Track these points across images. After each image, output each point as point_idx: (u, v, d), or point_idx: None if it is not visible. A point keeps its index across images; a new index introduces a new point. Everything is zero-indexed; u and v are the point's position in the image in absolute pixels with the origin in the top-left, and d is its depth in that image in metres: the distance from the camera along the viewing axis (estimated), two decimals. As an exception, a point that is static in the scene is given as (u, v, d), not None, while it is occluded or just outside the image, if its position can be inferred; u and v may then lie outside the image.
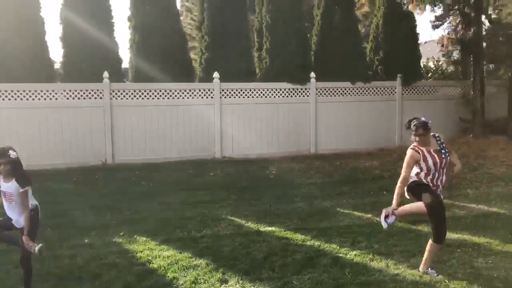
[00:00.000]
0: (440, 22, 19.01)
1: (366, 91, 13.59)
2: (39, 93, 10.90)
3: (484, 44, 14.15)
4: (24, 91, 10.77)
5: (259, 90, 12.64)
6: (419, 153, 4.85)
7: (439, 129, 5.00)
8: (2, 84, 10.58)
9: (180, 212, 7.50)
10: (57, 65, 12.23)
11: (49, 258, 5.44)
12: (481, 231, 6.30)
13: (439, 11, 18.43)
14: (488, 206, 7.64)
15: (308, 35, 14.16)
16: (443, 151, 4.89)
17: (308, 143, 13.10)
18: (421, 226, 6.39)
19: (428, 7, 17.52)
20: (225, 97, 12.37)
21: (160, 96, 11.88)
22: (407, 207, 5.06)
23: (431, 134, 4.94)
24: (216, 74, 12.13)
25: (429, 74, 17.35)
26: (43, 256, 4.62)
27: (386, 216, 5.00)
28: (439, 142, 4.95)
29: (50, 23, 18.35)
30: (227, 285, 4.79)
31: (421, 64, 15.93)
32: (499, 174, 9.95)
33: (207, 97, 12.24)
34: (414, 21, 14.56)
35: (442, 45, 18.13)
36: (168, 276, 4.99)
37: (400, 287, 4.64)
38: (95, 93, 11.37)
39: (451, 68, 18.01)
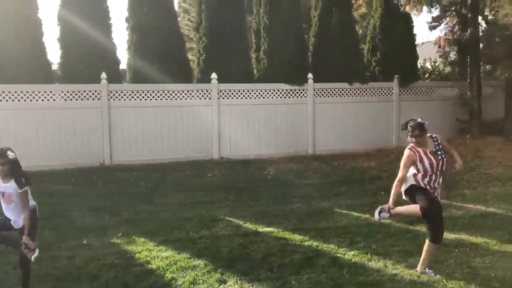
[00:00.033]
0: (437, 23, 19.09)
1: (364, 92, 13.62)
2: (36, 94, 10.89)
3: (481, 45, 14.19)
4: (21, 92, 10.76)
5: (257, 91, 12.66)
6: (415, 153, 4.88)
7: (436, 130, 5.02)
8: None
9: (179, 213, 7.51)
10: (54, 66, 12.21)
11: (47, 259, 5.45)
12: (479, 231, 6.33)
13: (436, 12, 18.49)
14: (485, 206, 7.66)
15: (306, 36, 14.18)
16: (439, 152, 4.89)
17: (305, 143, 13.12)
18: (418, 226, 6.41)
19: (425, 8, 17.58)
20: (223, 98, 12.38)
21: (158, 97, 11.88)
22: (403, 208, 5.07)
23: (428, 135, 4.95)
24: (214, 75, 12.14)
25: (426, 75, 17.41)
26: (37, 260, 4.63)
27: (381, 211, 5.03)
28: (436, 143, 4.95)
29: (47, 24, 18.34)
30: (225, 286, 4.80)
31: (418, 65, 15.97)
32: (496, 174, 9.99)
33: (205, 98, 12.25)
34: (411, 22, 14.59)
35: (439, 46, 18.21)
36: (167, 277, 5.00)
37: (398, 287, 4.65)
38: (93, 94, 11.37)
39: (448, 69, 18.07)
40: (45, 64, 11.59)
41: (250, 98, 12.60)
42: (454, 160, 5.07)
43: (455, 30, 17.23)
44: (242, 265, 5.25)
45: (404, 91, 14.00)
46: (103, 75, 11.30)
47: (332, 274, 4.97)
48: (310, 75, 12.96)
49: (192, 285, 4.80)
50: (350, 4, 14.41)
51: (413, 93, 14.15)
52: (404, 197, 5.05)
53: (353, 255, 5.53)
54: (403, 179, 4.94)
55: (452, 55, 17.38)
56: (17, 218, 4.48)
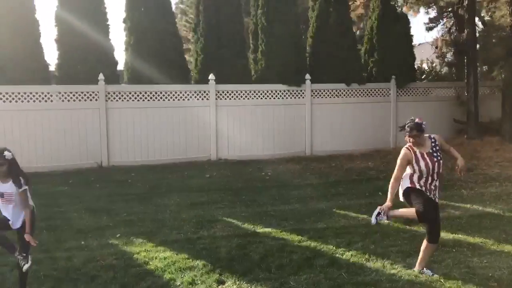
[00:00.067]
0: (434, 24, 19.14)
1: (361, 92, 13.66)
2: (34, 95, 10.88)
3: (478, 46, 14.25)
4: (19, 93, 10.75)
5: (254, 91, 12.67)
6: (411, 153, 4.89)
7: (434, 130, 5.03)
8: (-3, 86, 10.58)
9: (177, 214, 7.50)
10: (52, 67, 12.21)
11: (45, 260, 5.45)
12: (476, 231, 6.34)
13: (433, 13, 18.56)
14: (483, 206, 7.69)
15: (303, 37, 14.21)
16: (435, 154, 4.86)
17: (303, 144, 13.15)
18: (416, 226, 6.42)
19: (422, 9, 17.64)
20: (221, 99, 12.39)
21: (156, 98, 11.89)
22: (399, 212, 5.08)
23: (427, 135, 4.95)
24: (211, 76, 12.15)
25: (423, 76, 17.45)
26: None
27: (378, 214, 5.05)
28: (433, 144, 4.92)
29: (45, 25, 18.30)
30: (224, 286, 4.80)
31: (415, 66, 16.02)
32: (493, 174, 10.04)
33: (202, 99, 12.26)
34: (408, 23, 14.66)
35: (436, 47, 18.25)
36: (165, 278, 4.99)
37: (396, 287, 4.67)
38: (90, 95, 11.36)
39: (445, 70, 18.13)
40: (42, 65, 11.60)
41: (248, 99, 12.61)
42: (454, 158, 5.08)
43: (452, 31, 17.30)
44: (241, 266, 5.25)
45: (401, 91, 14.05)
46: (101, 76, 11.30)
47: (331, 274, 4.98)
48: (307, 76, 12.99)
49: (190, 286, 4.80)
50: (347, 5, 14.45)
51: (410, 93, 14.19)
52: (401, 198, 5.06)
53: (352, 255, 5.53)
54: (399, 178, 4.95)
55: (449, 56, 17.44)
56: (16, 218, 4.47)
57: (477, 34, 14.44)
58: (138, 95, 11.74)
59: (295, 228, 6.65)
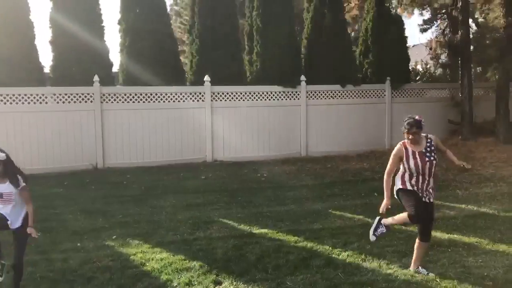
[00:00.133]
0: (428, 26, 19.27)
1: (356, 94, 13.70)
2: (29, 97, 10.84)
3: (472, 47, 14.33)
4: (13, 94, 10.71)
5: (249, 93, 12.69)
6: (403, 150, 4.91)
7: (428, 131, 5.03)
8: (-9, 88, 10.54)
9: (173, 215, 7.50)
10: (47, 69, 12.18)
11: (41, 261, 5.44)
12: (471, 231, 6.38)
13: (427, 14, 18.69)
14: (478, 206, 7.73)
15: (298, 38, 14.24)
16: (428, 154, 4.86)
17: (299, 145, 13.17)
18: (412, 227, 6.44)
19: (416, 10, 17.74)
20: (216, 100, 12.39)
21: (151, 99, 11.87)
22: (394, 220, 5.13)
23: (424, 135, 4.97)
24: (207, 78, 12.15)
25: (417, 77, 17.54)
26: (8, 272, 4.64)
27: (376, 229, 5.19)
28: (428, 144, 4.92)
29: (40, 26, 18.23)
30: (221, 287, 4.80)
31: (410, 67, 16.10)
32: (487, 175, 10.10)
33: (198, 101, 12.26)
34: (403, 24, 14.73)
35: (430, 48, 18.37)
36: (162, 279, 4.99)
37: (393, 287, 4.68)
38: (85, 96, 11.33)
39: (439, 71, 18.23)
40: (37, 66, 11.57)
41: (243, 100, 12.62)
42: (451, 161, 5.11)
43: (446, 32, 17.42)
44: (237, 266, 5.26)
45: (396, 93, 14.10)
46: (96, 78, 11.27)
47: (327, 274, 4.99)
48: (303, 77, 13.02)
49: (187, 287, 4.81)
50: (342, 6, 14.51)
51: (405, 95, 14.25)
52: (395, 196, 5.09)
53: (348, 255, 5.55)
54: (391, 172, 5.01)
55: (443, 57, 17.55)
56: (16, 218, 4.46)
57: (471, 36, 14.52)
58: (133, 97, 11.72)
59: (291, 229, 6.66)
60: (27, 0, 11.36)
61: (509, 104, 13.32)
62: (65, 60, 11.61)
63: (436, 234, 6.19)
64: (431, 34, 23.30)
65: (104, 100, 11.49)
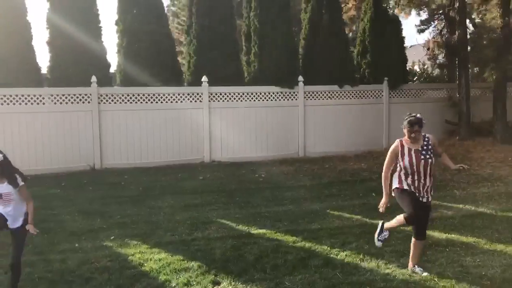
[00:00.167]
0: (426, 26, 19.31)
1: (354, 94, 13.72)
2: (26, 98, 10.82)
3: (469, 47, 14.37)
4: (11, 95, 10.68)
5: (247, 93, 12.69)
6: (400, 147, 4.92)
7: (426, 131, 5.04)
8: (-12, 89, 10.51)
9: (171, 216, 7.49)
10: (44, 70, 12.14)
11: (39, 262, 5.43)
12: (469, 230, 6.39)
13: (424, 15, 18.73)
14: (475, 206, 7.74)
15: (296, 39, 14.25)
16: (423, 152, 4.85)
17: (297, 146, 13.17)
18: (410, 227, 6.44)
19: (413, 11, 17.78)
20: (214, 101, 12.39)
21: (149, 100, 11.86)
22: (393, 224, 5.15)
23: (422, 134, 4.98)
24: (204, 78, 12.15)
25: (415, 78, 17.58)
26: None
27: (380, 233, 5.24)
28: (425, 143, 4.92)
29: (37, 27, 18.22)
30: (219, 287, 4.80)
31: (407, 68, 16.13)
32: (485, 175, 10.12)
33: (196, 101, 12.25)
34: (400, 25, 14.75)
35: (428, 49, 18.40)
36: (160, 279, 4.99)
37: (391, 286, 4.69)
38: (83, 97, 11.32)
39: (436, 72, 18.27)
40: (34, 67, 11.54)
41: (241, 101, 12.62)
42: (447, 166, 5.12)
43: (443, 33, 17.46)
44: (236, 266, 5.26)
45: (393, 93, 14.13)
46: (93, 79, 11.26)
47: (325, 274, 4.99)
48: (300, 78, 13.02)
49: (186, 287, 4.80)
50: (339, 7, 14.52)
51: (402, 95, 14.27)
52: (393, 193, 5.09)
53: (346, 255, 5.55)
54: (389, 168, 5.03)
55: (441, 58, 17.58)
56: (16, 218, 4.45)
57: (468, 36, 14.56)
58: (131, 98, 11.71)
59: (289, 229, 6.66)
60: (24, 1, 11.34)
61: (507, 104, 13.36)
62: (63, 61, 11.58)
63: (434, 234, 6.21)
64: (428, 34, 23.44)
65: (101, 101, 11.48)
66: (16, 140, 10.70)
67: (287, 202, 8.35)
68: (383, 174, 5.05)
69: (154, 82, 11.87)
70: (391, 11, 16.37)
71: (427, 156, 4.84)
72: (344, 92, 13.59)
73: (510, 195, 8.44)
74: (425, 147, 4.89)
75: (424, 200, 4.88)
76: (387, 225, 5.22)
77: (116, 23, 12.54)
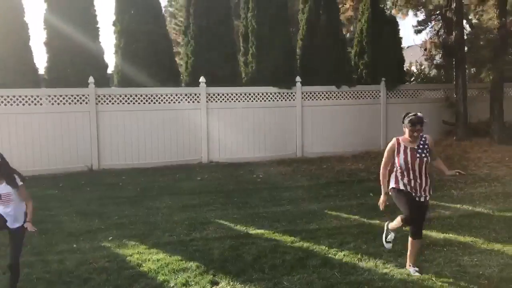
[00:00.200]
0: (423, 27, 19.36)
1: (351, 94, 13.74)
2: (23, 99, 10.80)
3: (466, 48, 14.41)
4: (8, 96, 10.67)
5: (245, 94, 12.69)
6: (396, 145, 4.93)
7: (423, 132, 5.05)
8: (-14, 89, 10.49)
9: (169, 216, 7.49)
10: (41, 70, 12.13)
11: (37, 263, 5.42)
12: (466, 230, 6.42)
13: (421, 16, 18.77)
14: (473, 206, 7.77)
15: (293, 39, 14.27)
16: (419, 150, 4.86)
17: (294, 146, 13.18)
18: (408, 227, 6.46)
19: (410, 12, 17.83)
20: (212, 102, 12.39)
21: (146, 101, 11.85)
22: (393, 224, 5.19)
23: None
24: (202, 79, 12.15)
25: (412, 78, 17.62)
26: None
27: (386, 236, 5.32)
28: (422, 142, 4.93)
29: (34, 28, 18.19)
30: (217, 287, 4.81)
31: (405, 68, 16.16)
32: (482, 175, 10.15)
33: (193, 102, 12.25)
34: (397, 25, 14.79)
35: (425, 49, 18.45)
36: (159, 279, 4.99)
37: (389, 286, 4.70)
38: (80, 98, 11.30)
39: (433, 72, 18.31)
40: (32, 68, 11.52)
41: (239, 101, 12.62)
42: (441, 171, 5.13)
43: (440, 33, 17.50)
44: (234, 267, 5.26)
45: (391, 93, 14.15)
46: (91, 79, 11.25)
47: (324, 274, 5.01)
48: (298, 78, 13.04)
49: (184, 287, 4.81)
50: (337, 7, 14.55)
51: (400, 95, 14.30)
52: (390, 193, 5.11)
53: (344, 255, 5.57)
54: (387, 166, 5.04)
55: (438, 58, 17.62)
56: (15, 218, 4.45)
57: (465, 37, 14.60)
58: (128, 98, 11.70)
59: (287, 229, 6.67)
60: (21, 1, 11.32)
61: (504, 104, 13.40)
62: (60, 62, 11.56)
63: (432, 233, 6.23)
64: (425, 35, 23.47)
65: (99, 101, 11.47)
66: (14, 141, 10.69)
67: (285, 202, 8.35)
68: (380, 172, 5.07)
69: (151, 83, 11.86)
70: (389, 12, 16.41)
71: (423, 155, 4.85)
72: (342, 93, 13.61)
73: (507, 195, 8.47)
74: (421, 146, 4.90)
75: (422, 199, 4.89)
76: (391, 225, 5.24)
77: (114, 24, 12.53)
